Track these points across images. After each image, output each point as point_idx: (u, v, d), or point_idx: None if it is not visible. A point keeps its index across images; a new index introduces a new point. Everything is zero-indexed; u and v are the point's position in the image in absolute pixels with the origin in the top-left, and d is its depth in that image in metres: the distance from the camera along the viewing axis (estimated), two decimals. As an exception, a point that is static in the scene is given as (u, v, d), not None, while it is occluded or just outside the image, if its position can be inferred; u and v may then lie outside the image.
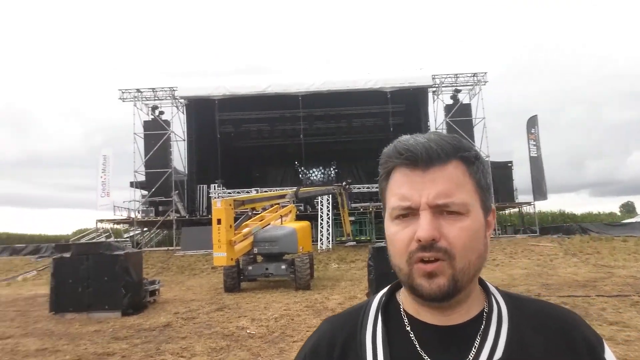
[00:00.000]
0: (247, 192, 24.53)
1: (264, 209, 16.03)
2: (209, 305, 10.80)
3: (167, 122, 29.17)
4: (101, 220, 27.36)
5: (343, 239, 24.41)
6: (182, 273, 19.33)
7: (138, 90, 29.20)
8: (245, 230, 13.62)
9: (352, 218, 24.71)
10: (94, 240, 25.96)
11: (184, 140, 29.48)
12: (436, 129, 27.79)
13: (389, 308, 0.84)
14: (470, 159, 0.78)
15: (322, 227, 23.14)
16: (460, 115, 28.15)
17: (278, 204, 17.02)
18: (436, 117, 29.28)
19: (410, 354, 0.76)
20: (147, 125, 28.96)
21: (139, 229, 30.30)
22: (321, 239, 22.93)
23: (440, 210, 0.73)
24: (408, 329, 0.79)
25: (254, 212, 15.48)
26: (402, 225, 0.75)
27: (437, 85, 28.93)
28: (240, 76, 32.43)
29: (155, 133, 28.23)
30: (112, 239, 29.43)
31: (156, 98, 29.59)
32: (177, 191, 27.06)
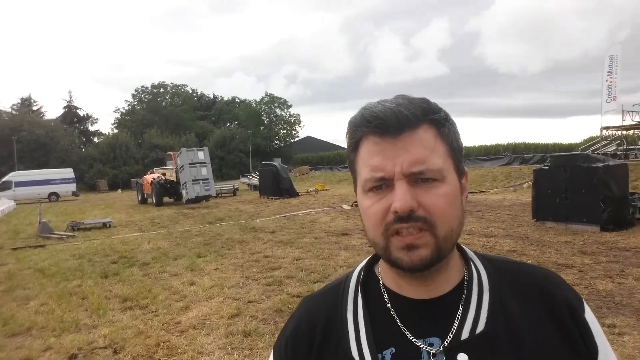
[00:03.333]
0: None
1: None
2: None
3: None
4: (606, 128, 25.68)
5: None
6: None
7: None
8: None
9: None
10: (590, 151, 24.80)
11: None
12: None
13: (369, 284, 0.82)
14: (441, 121, 0.73)
15: None
16: None
17: None
18: None
19: (392, 331, 0.75)
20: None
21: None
22: None
23: (416, 179, 0.70)
24: (389, 305, 0.77)
25: None
26: (376, 197, 0.72)
27: None
28: None
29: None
30: (623, 147, 27.18)
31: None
32: None
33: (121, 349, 4.50)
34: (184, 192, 21.07)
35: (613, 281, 5.93)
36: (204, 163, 21.32)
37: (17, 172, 38.11)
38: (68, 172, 38.15)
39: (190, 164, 20.77)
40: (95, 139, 63.40)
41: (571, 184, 9.80)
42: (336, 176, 38.17)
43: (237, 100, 77.28)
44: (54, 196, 35.39)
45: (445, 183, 0.71)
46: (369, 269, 0.84)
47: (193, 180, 20.61)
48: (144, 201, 24.47)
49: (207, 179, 21.15)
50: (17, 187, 34.69)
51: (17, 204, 28.87)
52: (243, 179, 36.01)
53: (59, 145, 51.64)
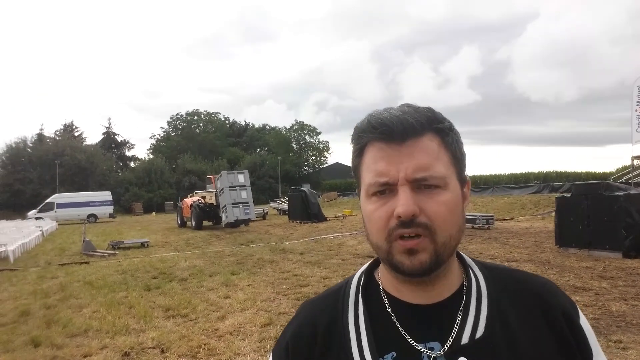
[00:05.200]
0: None
1: None
2: None
3: None
4: (637, 157, 25.36)
5: None
6: None
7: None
8: None
9: None
10: (623, 180, 24.41)
11: None
12: None
13: (369, 288, 0.83)
14: (445, 131, 0.75)
15: None
16: None
17: None
18: None
19: (393, 335, 0.76)
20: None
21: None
22: None
23: (419, 185, 0.72)
24: (389, 310, 0.78)
25: None
26: (380, 202, 0.73)
27: None
28: None
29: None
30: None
31: None
32: None
33: (167, 349, 5.07)
34: (223, 216, 20.60)
35: (627, 303, 6.18)
36: (244, 186, 20.70)
37: (58, 194, 40.10)
38: (106, 195, 39.90)
39: (230, 187, 20.24)
40: (132, 164, 65.89)
41: (593, 212, 10.01)
42: (364, 202, 38.47)
43: (267, 127, 79.23)
44: (92, 217, 36.93)
45: (447, 190, 0.73)
46: (369, 274, 0.86)
47: (233, 204, 20.06)
48: (183, 224, 24.33)
49: (247, 203, 20.49)
50: (58, 209, 36.50)
51: (58, 224, 30.41)
52: (273, 204, 36.81)
53: (98, 170, 54.07)
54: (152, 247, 15.65)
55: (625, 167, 34.19)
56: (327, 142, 73.16)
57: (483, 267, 0.83)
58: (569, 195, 10.92)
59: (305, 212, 23.69)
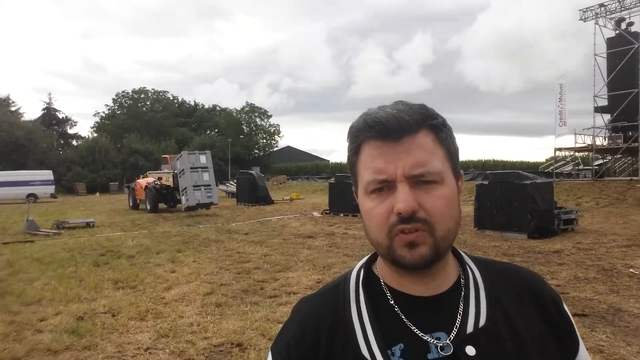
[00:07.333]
0: None
1: None
2: (626, 241, 10.19)
3: (636, 34, 25.61)
4: (559, 149, 27.80)
5: None
6: (638, 206, 17.63)
7: (601, 5, 26.95)
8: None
9: None
10: (551, 169, 26.68)
11: (660, 52, 25.13)
12: None
13: (369, 283, 0.84)
14: (439, 127, 0.77)
15: None
16: None
17: None
18: None
19: (398, 327, 0.77)
20: (610, 42, 26.50)
21: (608, 157, 28.63)
22: None
23: (416, 181, 0.73)
24: (392, 302, 0.79)
25: None
26: (378, 199, 0.74)
27: None
28: None
29: (620, 50, 25.50)
30: (578, 167, 29.41)
31: (622, 8, 26.39)
32: (646, 114, 23.84)
33: (118, 313, 5.71)
34: (183, 199, 19.27)
35: (516, 275, 7.38)
36: (206, 168, 19.53)
37: (-5, 172, 38.38)
38: (47, 174, 38.59)
39: (191, 168, 19.03)
40: (74, 142, 63.50)
41: (506, 198, 11.35)
42: (312, 186, 39.52)
43: (218, 108, 78.36)
44: (32, 197, 35.71)
45: (444, 185, 0.74)
46: (368, 268, 0.86)
47: (194, 186, 18.87)
48: (135, 207, 23.27)
49: (209, 185, 19.38)
50: (-5, 188, 35.03)
51: (-4, 204, 29.36)
52: (221, 186, 36.94)
53: (38, 147, 51.78)
54: (98, 227, 15.82)
55: (552, 158, 37.17)
56: (278, 125, 73.19)
57: (475, 260, 0.87)
58: (486, 182, 12.23)
59: (253, 194, 24.27)
